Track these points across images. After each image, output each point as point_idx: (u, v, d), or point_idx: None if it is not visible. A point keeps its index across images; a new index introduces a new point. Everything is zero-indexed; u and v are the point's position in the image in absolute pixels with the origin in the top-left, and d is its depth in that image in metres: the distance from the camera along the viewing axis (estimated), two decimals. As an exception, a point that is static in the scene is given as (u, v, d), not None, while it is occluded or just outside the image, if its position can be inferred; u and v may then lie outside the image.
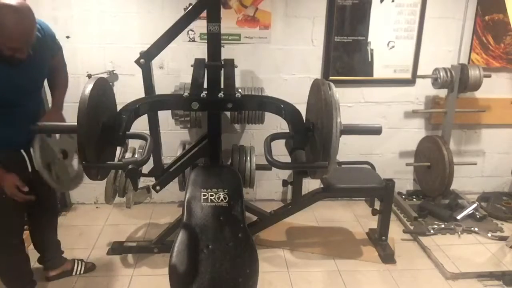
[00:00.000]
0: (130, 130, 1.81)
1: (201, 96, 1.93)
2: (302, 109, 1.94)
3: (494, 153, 3.46)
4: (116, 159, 2.28)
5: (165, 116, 2.90)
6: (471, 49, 3.11)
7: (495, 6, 2.99)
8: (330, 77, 3.05)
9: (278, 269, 2.51)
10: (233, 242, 1.72)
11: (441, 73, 2.97)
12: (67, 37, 2.86)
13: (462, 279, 2.42)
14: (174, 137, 3.13)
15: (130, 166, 1.60)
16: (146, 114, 2.26)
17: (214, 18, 2.07)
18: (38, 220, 2.20)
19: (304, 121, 1.90)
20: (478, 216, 3.00)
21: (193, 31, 2.90)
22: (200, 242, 1.70)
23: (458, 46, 3.11)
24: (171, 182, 2.55)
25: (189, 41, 2.93)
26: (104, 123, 1.72)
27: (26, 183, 1.86)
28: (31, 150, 1.80)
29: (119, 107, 1.87)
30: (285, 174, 3.25)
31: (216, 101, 1.95)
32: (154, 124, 2.47)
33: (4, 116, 1.78)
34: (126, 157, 2.44)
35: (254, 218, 2.70)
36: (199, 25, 2.78)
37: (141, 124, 2.23)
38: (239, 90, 2.36)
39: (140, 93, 2.25)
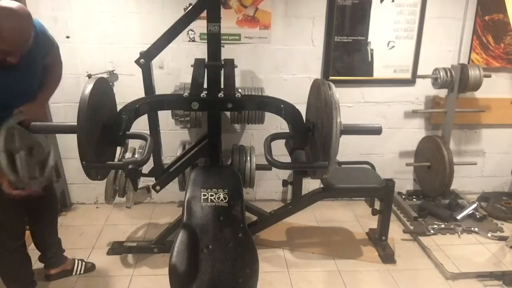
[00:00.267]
0: (130, 130, 1.81)
1: (201, 96, 1.92)
2: (302, 109, 1.94)
3: (494, 153, 3.46)
4: (116, 159, 2.28)
5: (165, 116, 2.90)
6: (471, 49, 3.11)
7: (495, 6, 2.99)
8: (330, 77, 3.05)
9: (278, 269, 2.51)
10: (233, 242, 1.72)
11: (441, 73, 2.97)
12: (67, 37, 2.86)
13: (462, 279, 2.42)
14: (174, 137, 3.13)
15: (130, 166, 1.60)
16: (146, 114, 2.26)
17: (214, 18, 2.07)
18: (38, 219, 2.20)
19: (304, 121, 1.90)
20: (478, 216, 3.00)
21: (193, 31, 2.90)
22: (200, 242, 1.70)
23: (458, 46, 3.11)
24: (171, 182, 2.55)
25: (189, 41, 2.93)
26: (104, 123, 1.72)
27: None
28: None
29: (119, 107, 1.87)
30: (285, 174, 3.25)
31: (216, 101, 1.95)
32: (154, 124, 2.47)
33: None
34: (126, 157, 2.44)
35: (254, 218, 2.70)
36: (199, 25, 2.78)
37: (141, 124, 2.23)
38: (239, 90, 2.36)
39: (140, 93, 2.25)
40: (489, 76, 3.01)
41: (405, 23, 3.02)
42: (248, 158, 2.61)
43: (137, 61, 2.25)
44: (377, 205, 2.72)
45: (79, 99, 1.54)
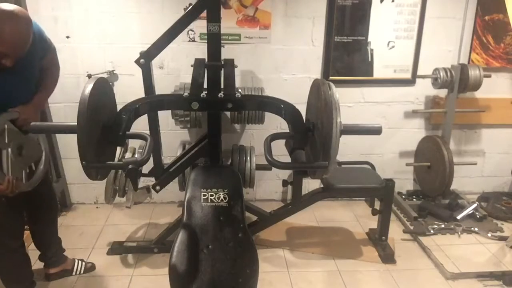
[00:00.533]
0: (130, 130, 1.81)
1: (201, 96, 1.92)
2: (302, 109, 1.94)
3: (494, 153, 3.46)
4: (116, 159, 2.28)
5: (165, 116, 2.90)
6: (471, 49, 3.11)
7: (495, 6, 2.99)
8: (330, 77, 3.05)
9: (278, 269, 2.51)
10: (233, 242, 1.72)
11: (441, 73, 2.97)
12: (67, 37, 2.86)
13: (462, 279, 2.42)
14: (174, 137, 3.13)
15: (130, 166, 1.60)
16: (146, 114, 2.26)
17: (214, 18, 2.07)
18: (38, 219, 2.20)
19: (304, 121, 1.90)
20: (478, 216, 3.00)
21: (193, 31, 2.90)
22: (200, 242, 1.70)
23: (458, 46, 3.11)
24: (171, 182, 2.55)
25: (189, 41, 2.93)
26: (104, 123, 1.72)
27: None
28: None
29: (119, 107, 1.87)
30: (285, 174, 3.25)
31: (216, 101, 1.95)
32: (154, 124, 2.47)
33: None
34: (126, 157, 2.44)
35: (254, 218, 2.70)
36: (199, 25, 2.78)
37: (141, 124, 2.23)
38: (239, 90, 2.36)
39: (140, 93, 2.25)
40: (489, 76, 3.01)
41: (405, 23, 3.02)
42: (248, 158, 2.61)
43: (137, 61, 2.25)
44: (377, 205, 2.72)
45: (79, 99, 1.54)
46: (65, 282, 2.34)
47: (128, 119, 1.77)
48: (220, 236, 1.73)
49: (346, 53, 3.06)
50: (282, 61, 3.05)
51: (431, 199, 3.23)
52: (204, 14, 2.11)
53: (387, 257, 2.60)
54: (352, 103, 3.19)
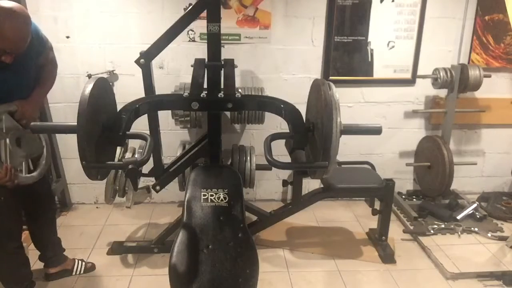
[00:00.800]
0: (130, 130, 1.81)
1: (201, 96, 1.92)
2: (302, 109, 1.94)
3: (494, 153, 3.46)
4: (116, 159, 2.28)
5: (165, 116, 2.90)
6: (471, 49, 3.11)
7: (495, 6, 2.99)
8: (330, 77, 3.05)
9: (278, 269, 2.51)
10: (233, 242, 1.72)
11: (441, 73, 2.97)
12: (67, 37, 2.86)
13: (462, 279, 2.42)
14: (174, 137, 3.13)
15: (130, 166, 1.60)
16: (146, 114, 2.26)
17: (214, 18, 2.07)
18: (36, 219, 2.20)
19: (304, 121, 1.90)
20: (478, 216, 3.00)
21: (193, 31, 2.90)
22: (200, 242, 1.70)
23: (458, 46, 3.11)
24: (171, 182, 2.55)
25: (189, 41, 2.93)
26: (104, 123, 1.72)
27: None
28: None
29: (119, 107, 1.87)
30: (285, 174, 3.26)
31: (216, 101, 1.95)
32: (154, 124, 2.47)
33: None
34: (126, 157, 2.44)
35: (254, 218, 2.70)
36: (199, 25, 2.78)
37: (141, 124, 2.23)
38: (239, 90, 2.36)
39: (140, 93, 2.25)
40: (489, 76, 3.01)
41: (405, 23, 3.02)
42: (248, 158, 2.61)
43: (137, 61, 2.25)
44: (377, 205, 2.72)
45: (79, 99, 1.54)
46: (65, 282, 2.34)
47: (128, 119, 1.78)
48: (220, 236, 1.73)
49: (346, 53, 3.06)
50: (282, 61, 3.05)
51: (431, 199, 3.23)
52: (204, 14, 2.11)
53: (387, 257, 2.60)
54: (352, 103, 3.19)
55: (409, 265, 2.57)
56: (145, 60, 2.24)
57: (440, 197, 3.18)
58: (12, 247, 2.01)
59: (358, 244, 2.80)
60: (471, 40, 3.10)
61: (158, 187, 2.49)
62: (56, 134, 2.95)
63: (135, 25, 2.87)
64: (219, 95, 1.95)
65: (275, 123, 3.07)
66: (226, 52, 2.86)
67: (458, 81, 2.95)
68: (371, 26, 3.00)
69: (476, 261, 2.57)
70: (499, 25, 3.06)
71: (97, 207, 3.27)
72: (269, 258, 2.62)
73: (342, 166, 3.00)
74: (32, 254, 2.33)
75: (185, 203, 1.84)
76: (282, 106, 1.90)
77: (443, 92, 3.15)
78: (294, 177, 2.66)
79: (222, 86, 2.09)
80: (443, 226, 2.91)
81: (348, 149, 3.22)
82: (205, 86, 2.09)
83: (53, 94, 2.86)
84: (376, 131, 1.79)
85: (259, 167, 2.62)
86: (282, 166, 1.90)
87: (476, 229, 2.88)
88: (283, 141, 2.58)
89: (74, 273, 2.39)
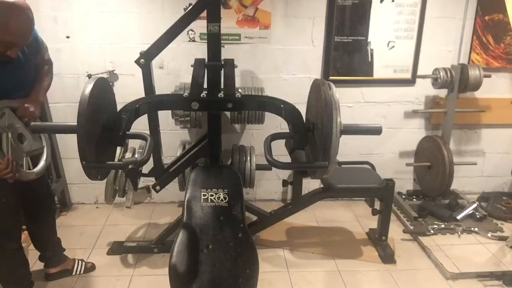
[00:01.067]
0: (130, 130, 1.81)
1: (201, 96, 1.92)
2: (302, 109, 1.94)
3: (494, 153, 3.46)
4: (116, 159, 2.28)
5: (165, 116, 2.90)
6: (471, 49, 3.11)
7: (495, 6, 2.99)
8: (330, 77, 3.05)
9: (278, 269, 2.51)
10: (233, 242, 1.72)
11: (441, 73, 2.97)
12: (67, 37, 2.86)
13: (462, 279, 2.42)
14: (174, 137, 3.13)
15: (130, 166, 1.60)
16: (146, 114, 2.26)
17: (214, 18, 2.07)
18: (36, 219, 2.20)
19: (304, 121, 1.90)
20: (478, 216, 3.00)
21: (193, 31, 2.90)
22: (200, 242, 1.70)
23: (458, 46, 3.11)
24: (171, 182, 2.55)
25: (189, 41, 2.93)
26: (104, 123, 1.72)
27: (24, 181, 1.86)
28: None
29: (119, 107, 1.87)
30: (285, 174, 3.26)
31: (216, 101, 1.95)
32: (154, 124, 2.47)
33: None
34: (126, 157, 2.44)
35: (254, 218, 2.70)
36: (199, 25, 2.78)
37: (141, 124, 2.23)
38: (239, 90, 2.36)
39: (140, 93, 2.25)
40: (489, 76, 3.01)
41: (405, 23, 3.02)
42: (248, 158, 2.61)
43: (137, 61, 2.25)
44: (377, 205, 2.72)
45: (79, 99, 1.54)
46: (65, 282, 2.34)
47: (128, 119, 1.77)
48: (220, 236, 1.73)
49: (346, 53, 3.06)
50: (282, 61, 3.05)
51: (431, 199, 3.23)
52: (204, 14, 2.11)
53: (387, 257, 2.60)
54: (352, 103, 3.19)
55: (409, 265, 2.57)
56: (145, 60, 2.24)
57: (440, 197, 3.18)
58: (12, 248, 2.01)
59: (358, 244, 2.80)
60: (471, 40, 3.10)
61: (158, 187, 2.49)
62: (56, 134, 2.95)
63: (135, 25, 2.87)
64: (219, 95, 1.95)
65: (275, 123, 3.07)
66: (226, 52, 2.86)
67: (458, 81, 2.95)
68: (371, 26, 3.00)
69: (476, 261, 2.57)
70: (499, 25, 3.06)
71: (97, 207, 3.27)
72: (269, 258, 2.62)
73: (342, 166, 3.00)
74: (32, 254, 2.34)
75: (185, 203, 1.84)
76: (282, 106, 1.90)
77: (443, 92, 3.15)
78: (294, 177, 2.66)
79: (222, 86, 2.09)
80: (443, 226, 2.91)
81: (348, 149, 3.22)
82: (205, 86, 2.09)
83: (53, 94, 2.86)
84: (376, 131, 1.79)
85: (259, 167, 2.62)
86: (282, 166, 1.90)
87: (476, 229, 2.88)
88: (283, 141, 2.58)
89: (74, 273, 2.39)
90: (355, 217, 3.17)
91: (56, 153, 3.05)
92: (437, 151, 3.07)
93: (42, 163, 1.97)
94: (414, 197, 3.37)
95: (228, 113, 2.89)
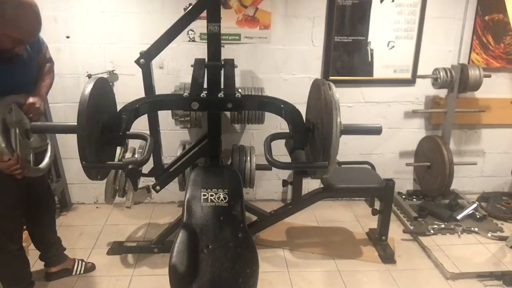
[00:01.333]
0: (130, 130, 1.81)
1: (201, 96, 1.93)
2: (302, 109, 1.94)
3: (494, 153, 3.46)
4: (116, 159, 2.28)
5: (165, 116, 2.90)
6: (471, 49, 3.11)
7: (495, 6, 2.99)
8: (330, 77, 3.05)
9: (278, 269, 2.51)
10: (233, 242, 1.72)
11: (441, 73, 2.97)
12: (67, 37, 2.86)
13: (462, 279, 2.42)
14: (174, 137, 3.13)
15: (130, 166, 1.60)
16: (146, 114, 2.26)
17: (214, 18, 2.07)
18: (37, 220, 2.20)
19: (304, 121, 1.90)
20: (478, 216, 3.00)
21: (193, 31, 2.91)
22: (200, 242, 1.70)
23: (458, 46, 3.11)
24: (171, 182, 2.55)
25: (189, 41, 2.93)
26: (104, 123, 1.72)
27: (25, 180, 1.86)
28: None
29: (119, 107, 1.87)
30: (285, 174, 3.26)
31: (216, 101, 1.95)
32: (154, 124, 2.47)
33: None
34: (126, 157, 2.44)
35: (254, 218, 2.70)
36: (199, 25, 2.78)
37: (141, 124, 2.23)
38: (239, 90, 2.36)
39: (140, 93, 2.25)
40: (489, 76, 3.01)
41: (405, 23, 3.02)
42: (248, 158, 2.61)
43: (137, 61, 2.25)
44: (377, 205, 2.72)
45: (79, 99, 1.54)
46: (65, 282, 2.34)
47: (128, 119, 1.78)
48: (220, 236, 1.73)
49: (346, 53, 3.06)
50: (282, 61, 3.05)
51: (431, 199, 3.23)
52: (204, 14, 2.11)
53: (387, 257, 2.60)
54: (352, 103, 3.19)
55: (409, 265, 2.57)
56: (145, 60, 2.24)
57: (440, 197, 3.18)
58: (13, 249, 2.01)
59: (358, 244, 2.80)
60: (471, 40, 3.10)
61: (158, 187, 2.49)
62: (56, 134, 2.95)
63: (135, 25, 2.87)
64: (219, 95, 1.95)
65: (275, 123, 3.07)
66: (226, 52, 2.86)
67: (458, 81, 2.95)
68: (371, 26, 3.00)
69: (476, 261, 2.57)
70: (499, 25, 3.06)
71: (97, 207, 3.27)
72: (269, 258, 2.62)
73: (342, 166, 3.00)
74: (32, 254, 2.34)
75: (185, 203, 1.84)
76: (282, 106, 1.91)
77: (443, 92, 3.15)
78: (294, 177, 2.65)
79: (222, 86, 2.09)
80: (443, 226, 2.91)
81: (348, 149, 3.22)
82: (205, 86, 2.09)
83: (53, 94, 2.85)
84: (376, 131, 1.79)
85: (259, 167, 2.62)
86: (282, 166, 1.90)
87: (476, 229, 2.88)
88: (283, 141, 2.58)
89: (74, 273, 2.39)
90: (355, 217, 3.17)
91: (56, 153, 3.05)
92: (437, 151, 3.07)
93: (46, 159, 1.98)
94: (414, 197, 3.37)
95: (228, 113, 2.89)
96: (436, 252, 2.62)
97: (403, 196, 3.37)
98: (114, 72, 2.94)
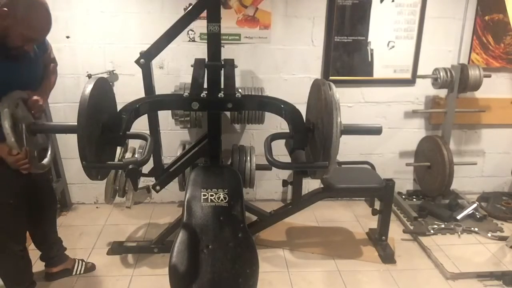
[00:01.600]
0: (130, 130, 1.81)
1: (201, 96, 1.93)
2: (302, 109, 1.94)
3: (494, 153, 3.46)
4: (116, 159, 2.28)
5: (165, 116, 2.90)
6: (471, 49, 3.11)
7: (495, 6, 2.99)
8: (330, 77, 3.05)
9: (278, 269, 2.51)
10: (233, 242, 1.72)
11: (441, 73, 2.97)
12: (67, 37, 2.86)
13: (462, 279, 2.42)
14: (174, 137, 3.13)
15: (130, 166, 1.60)
16: (146, 114, 2.26)
17: (214, 18, 2.07)
18: (40, 219, 2.20)
19: (304, 121, 1.90)
20: (478, 216, 3.00)
21: (193, 31, 2.90)
22: (200, 242, 1.70)
23: (458, 46, 3.11)
24: (171, 182, 2.55)
25: (189, 41, 2.93)
26: (104, 123, 1.72)
27: (26, 180, 1.86)
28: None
29: (119, 107, 1.87)
30: (285, 174, 3.25)
31: (216, 101, 1.95)
32: (154, 124, 2.47)
33: None
34: (126, 157, 2.44)
35: (254, 218, 2.70)
36: (199, 25, 2.78)
37: (141, 124, 2.23)
38: (239, 90, 2.36)
39: (140, 93, 2.25)
40: (489, 76, 3.01)
41: (405, 23, 3.02)
42: (248, 158, 2.61)
43: (137, 61, 2.25)
44: (377, 205, 2.72)
45: (79, 99, 1.54)
46: (65, 282, 2.34)
47: (128, 119, 1.78)
48: (220, 236, 1.73)
49: (346, 53, 3.06)
50: (282, 61, 3.05)
51: (431, 199, 3.23)
52: (204, 14, 2.11)
53: (387, 257, 2.60)
54: (352, 103, 3.19)
55: (409, 265, 2.57)
56: (145, 60, 2.24)
57: (440, 197, 3.18)
58: (17, 250, 2.01)
59: (358, 244, 2.80)
60: (471, 40, 3.10)
61: (158, 187, 2.49)
62: (56, 134, 2.95)
63: (135, 25, 2.87)
64: (219, 95, 1.95)
65: (275, 123, 3.07)
66: (226, 52, 2.86)
67: (458, 81, 2.95)
68: (371, 26, 3.00)
69: (476, 261, 2.57)
70: (499, 25, 3.06)
71: (97, 207, 3.27)
72: (269, 258, 2.62)
73: (342, 166, 3.00)
74: (32, 254, 2.33)
75: (185, 203, 1.84)
76: (282, 106, 1.91)
77: (443, 92, 3.15)
78: (294, 177, 2.65)
79: (222, 86, 2.09)
80: (443, 226, 2.91)
81: (348, 149, 3.21)
82: (205, 86, 2.09)
83: (53, 94, 2.81)
84: (376, 131, 1.80)
85: (259, 167, 2.62)
86: (282, 166, 1.91)
87: (476, 229, 2.88)
88: (283, 141, 2.58)
89: (74, 273, 2.39)
90: (355, 217, 3.17)
91: (56, 153, 3.05)
92: (437, 151, 3.07)
93: (48, 156, 1.98)
94: (414, 197, 3.37)
95: (228, 113, 2.89)
96: (436, 252, 2.62)
97: (403, 196, 3.37)
98: (114, 72, 2.94)
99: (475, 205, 3.08)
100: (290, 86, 3.08)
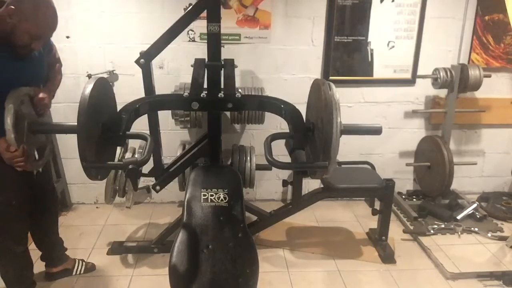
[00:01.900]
0: (130, 130, 1.81)
1: (201, 96, 1.93)
2: (302, 109, 1.94)
3: (494, 153, 3.46)
4: (116, 159, 2.28)
5: (165, 116, 2.90)
6: (471, 49, 3.11)
7: (495, 6, 2.99)
8: (330, 77, 3.05)
9: (278, 269, 2.51)
10: (233, 242, 1.72)
11: (441, 73, 2.97)
12: (67, 37, 2.86)
13: (462, 279, 2.42)
14: (174, 137, 3.13)
15: (130, 166, 1.60)
16: (146, 114, 2.26)
17: (214, 18, 2.07)
18: (39, 219, 2.19)
19: (304, 121, 1.90)
20: (478, 216, 3.00)
21: (193, 31, 2.91)
22: (200, 242, 1.70)
23: (458, 46, 3.11)
24: (171, 182, 2.55)
25: (189, 41, 2.93)
26: (104, 123, 1.72)
27: (29, 180, 1.87)
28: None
29: (119, 107, 1.87)
30: (285, 174, 3.25)
31: (216, 101, 1.95)
32: (154, 124, 2.47)
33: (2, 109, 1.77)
34: (126, 157, 2.44)
35: (254, 218, 2.70)
36: (199, 25, 2.78)
37: (141, 124, 2.23)
38: (239, 90, 2.36)
39: (140, 93, 2.25)
40: (489, 76, 3.01)
41: (405, 23, 3.02)
42: (248, 158, 2.61)
43: (137, 61, 2.25)
44: (377, 205, 2.72)
45: (79, 99, 1.54)
46: (66, 282, 2.34)
47: (128, 119, 1.78)
48: (220, 236, 1.73)
49: (346, 53, 3.06)
50: (282, 61, 3.05)
51: (431, 199, 3.23)
52: (204, 14, 2.11)
53: (387, 257, 2.60)
54: (352, 103, 3.19)
55: (409, 265, 2.57)
56: (145, 60, 2.24)
57: (440, 197, 3.18)
58: (19, 251, 2.01)
59: (358, 244, 2.80)
60: (471, 40, 3.10)
61: (158, 187, 2.49)
62: (56, 134, 2.95)
63: (135, 25, 2.87)
64: (219, 95, 1.95)
65: (275, 123, 3.07)
66: (226, 52, 2.86)
67: (458, 81, 2.95)
68: (371, 26, 3.00)
69: (476, 261, 2.57)
70: (499, 25, 3.06)
71: (97, 207, 3.27)
72: (269, 258, 2.62)
73: (342, 166, 3.00)
74: (32, 254, 2.33)
75: (185, 203, 1.84)
76: (282, 106, 1.91)
77: (443, 92, 3.15)
78: (294, 177, 2.65)
79: (222, 86, 2.09)
80: (443, 226, 2.91)
81: (348, 149, 3.21)
82: (205, 86, 2.09)
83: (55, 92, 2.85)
84: (376, 131, 1.80)
85: (259, 167, 2.62)
86: (282, 166, 1.91)
87: (476, 229, 2.88)
88: (283, 141, 2.58)
89: (74, 273, 2.39)
90: (355, 217, 3.17)
91: (56, 153, 3.05)
92: (437, 151, 3.07)
93: (45, 156, 1.98)
94: (414, 197, 3.37)
95: (228, 113, 2.89)
96: (436, 252, 2.62)
97: (403, 196, 3.37)
98: (114, 72, 2.94)
99: (475, 205, 3.08)
100: (290, 86, 3.08)
